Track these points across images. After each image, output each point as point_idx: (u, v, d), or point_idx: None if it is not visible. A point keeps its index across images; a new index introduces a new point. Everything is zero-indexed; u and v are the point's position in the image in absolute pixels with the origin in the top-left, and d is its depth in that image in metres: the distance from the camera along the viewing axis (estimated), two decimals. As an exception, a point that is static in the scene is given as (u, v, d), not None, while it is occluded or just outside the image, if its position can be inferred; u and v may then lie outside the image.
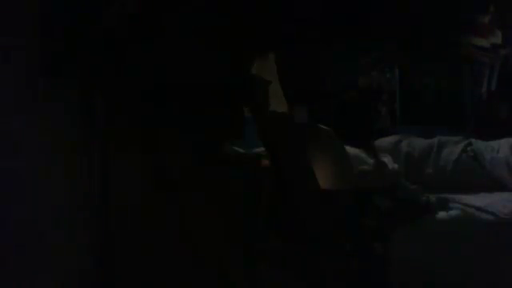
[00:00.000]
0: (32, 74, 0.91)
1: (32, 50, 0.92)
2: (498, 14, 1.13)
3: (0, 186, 0.82)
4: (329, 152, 1.72)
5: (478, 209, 2.03)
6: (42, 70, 0.93)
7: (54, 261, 0.95)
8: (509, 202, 2.14)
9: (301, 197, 0.93)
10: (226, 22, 0.90)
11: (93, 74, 1.05)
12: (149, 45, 0.96)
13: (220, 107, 1.36)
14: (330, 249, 0.95)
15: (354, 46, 1.12)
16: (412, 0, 1.00)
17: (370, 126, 3.52)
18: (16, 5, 0.89)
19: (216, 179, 1.38)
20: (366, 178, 1.99)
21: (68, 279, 1.01)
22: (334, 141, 1.82)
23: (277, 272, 1.57)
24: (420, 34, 1.07)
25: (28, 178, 0.89)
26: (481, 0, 1.12)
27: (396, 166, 2.17)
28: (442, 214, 1.98)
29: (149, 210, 1.26)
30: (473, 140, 2.70)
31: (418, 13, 1.01)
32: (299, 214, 0.93)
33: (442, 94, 3.65)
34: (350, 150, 1.95)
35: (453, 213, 2.01)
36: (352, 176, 1.82)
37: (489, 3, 1.12)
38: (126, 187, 1.24)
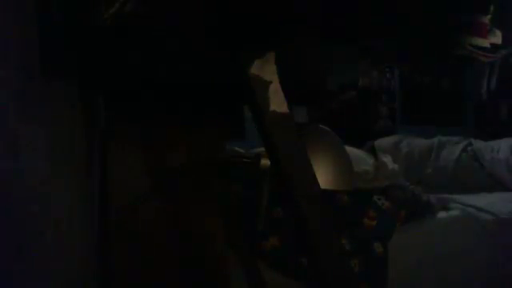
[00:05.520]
0: (32, 73, 0.91)
1: (32, 49, 0.92)
2: (498, 13, 1.13)
3: (0, 186, 0.82)
4: (329, 152, 1.72)
5: (478, 209, 2.04)
6: (42, 69, 0.93)
7: (54, 261, 0.95)
8: (509, 202, 2.14)
9: (301, 197, 0.93)
10: (226, 22, 0.90)
11: (93, 73, 1.05)
12: (149, 44, 0.96)
13: (220, 107, 1.36)
14: (330, 248, 0.95)
15: (354, 46, 1.12)
16: (412, 0, 1.00)
17: (370, 126, 3.53)
18: (16, 4, 0.89)
19: (216, 179, 1.38)
20: (366, 178, 1.99)
21: (68, 279, 1.01)
22: (334, 141, 1.83)
23: (277, 272, 1.57)
24: (420, 34, 1.07)
25: (28, 178, 0.89)
26: (481, 0, 1.11)
27: (396, 166, 2.17)
28: (441, 214, 1.99)
29: (149, 209, 1.26)
30: (473, 140, 2.71)
31: (418, 13, 1.01)
32: (299, 214, 0.93)
33: (442, 94, 3.66)
34: (349, 149, 1.96)
35: (453, 213, 2.01)
36: (352, 176, 1.82)
37: (489, 3, 1.12)
38: (126, 187, 1.24)
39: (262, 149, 1.14)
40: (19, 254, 0.85)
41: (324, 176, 1.55)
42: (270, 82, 0.92)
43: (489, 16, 1.12)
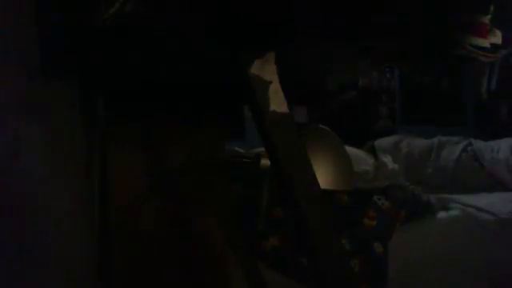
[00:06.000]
0: (32, 73, 0.91)
1: (32, 49, 0.92)
2: (498, 13, 1.13)
3: (0, 186, 0.82)
4: (329, 152, 1.72)
5: (478, 209, 2.04)
6: (42, 69, 0.93)
7: (53, 261, 0.95)
8: (509, 202, 2.14)
9: (301, 197, 0.93)
10: (226, 22, 0.90)
11: (93, 73, 1.05)
12: (149, 44, 0.96)
13: (220, 107, 1.36)
14: (330, 249, 0.95)
15: (354, 46, 1.12)
16: (412, 0, 1.00)
17: (370, 126, 3.53)
18: (16, 4, 0.89)
19: (216, 179, 1.38)
20: (366, 178, 1.99)
21: (68, 279, 1.01)
22: (334, 141, 1.83)
23: (277, 272, 1.57)
24: (420, 34, 1.07)
25: (28, 178, 0.89)
26: (481, 0, 1.12)
27: (396, 166, 2.17)
28: (441, 214, 1.98)
29: (149, 209, 1.26)
30: (473, 140, 2.71)
31: (418, 13, 1.01)
32: (299, 214, 0.93)
33: (442, 93, 3.66)
34: (349, 149, 1.96)
35: (453, 213, 2.01)
36: (352, 176, 1.82)
37: (489, 3, 1.12)
38: (126, 187, 1.24)
39: (262, 149, 1.14)
40: (19, 254, 0.85)
41: (324, 176, 1.55)
42: (270, 82, 0.92)
43: (489, 16, 1.12)
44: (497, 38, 1.15)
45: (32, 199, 0.89)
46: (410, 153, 2.76)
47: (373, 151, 2.36)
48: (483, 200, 2.14)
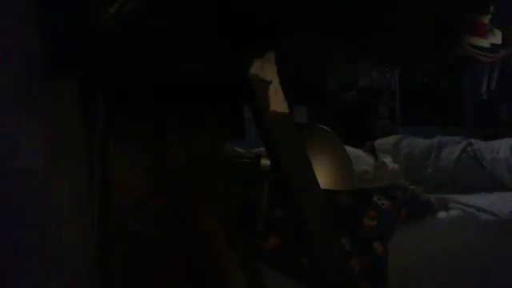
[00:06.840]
0: (32, 73, 0.91)
1: (32, 50, 0.92)
2: (498, 14, 1.13)
3: (0, 186, 0.83)
4: (329, 152, 1.72)
5: (478, 209, 2.04)
6: (42, 69, 0.93)
7: (53, 261, 0.95)
8: (509, 202, 2.14)
9: (301, 197, 0.93)
10: (226, 21, 0.90)
11: (93, 74, 1.05)
12: (149, 44, 0.96)
13: (220, 107, 1.36)
14: (330, 249, 0.95)
15: (354, 46, 1.12)
16: (412, 0, 1.00)
17: (370, 126, 3.53)
18: (16, 4, 0.89)
19: (216, 179, 1.38)
20: (366, 178, 1.99)
21: (68, 279, 1.01)
22: (334, 141, 1.83)
23: (277, 272, 1.57)
24: (420, 34, 1.07)
25: (28, 178, 0.89)
26: (481, 0, 1.12)
27: (396, 166, 2.17)
28: (441, 214, 1.98)
29: (149, 209, 1.26)
30: (473, 140, 2.71)
31: (418, 12, 1.01)
32: (299, 214, 0.93)
33: (442, 93, 3.66)
34: (350, 150, 1.95)
35: (453, 213, 2.01)
36: (352, 176, 1.82)
37: (489, 3, 1.12)
38: (126, 187, 1.24)
39: (262, 149, 1.14)
40: (19, 253, 0.85)
41: (324, 176, 1.55)
42: (270, 82, 0.92)
43: (489, 16, 1.13)
44: (497, 38, 1.15)
45: (32, 199, 0.89)
46: (410, 153, 2.76)
47: (373, 151, 2.36)
48: (483, 200, 2.14)
